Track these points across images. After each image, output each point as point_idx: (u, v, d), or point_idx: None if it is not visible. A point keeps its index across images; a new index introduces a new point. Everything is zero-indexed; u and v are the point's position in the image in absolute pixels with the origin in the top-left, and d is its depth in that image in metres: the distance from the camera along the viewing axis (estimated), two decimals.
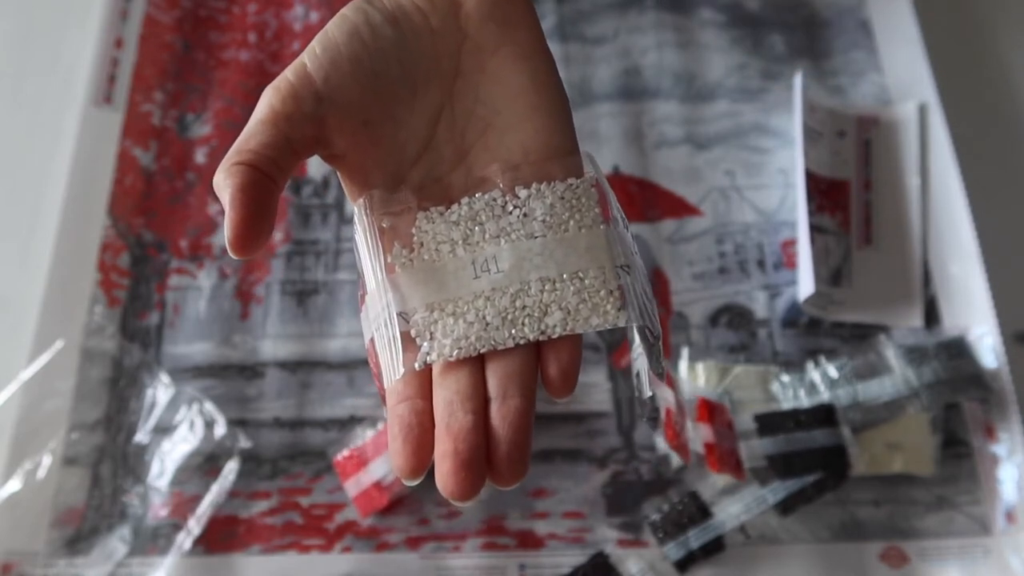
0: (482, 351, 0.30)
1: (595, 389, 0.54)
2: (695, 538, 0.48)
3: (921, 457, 0.50)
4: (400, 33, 0.32)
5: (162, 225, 0.59)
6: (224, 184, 0.29)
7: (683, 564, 0.48)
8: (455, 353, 0.29)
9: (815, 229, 0.56)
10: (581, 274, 0.30)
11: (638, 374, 0.37)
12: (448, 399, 0.29)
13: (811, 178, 0.57)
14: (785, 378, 0.52)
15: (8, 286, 0.57)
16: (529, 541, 0.50)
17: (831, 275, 0.56)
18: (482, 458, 0.28)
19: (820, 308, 0.55)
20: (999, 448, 0.51)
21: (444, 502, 0.51)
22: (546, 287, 0.30)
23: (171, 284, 0.57)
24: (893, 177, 0.60)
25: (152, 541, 0.50)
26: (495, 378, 0.30)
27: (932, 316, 0.55)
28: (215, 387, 0.54)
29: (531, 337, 0.30)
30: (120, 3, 0.66)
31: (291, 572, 0.50)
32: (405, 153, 0.32)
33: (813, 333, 0.55)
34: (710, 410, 0.49)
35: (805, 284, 0.55)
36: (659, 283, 0.57)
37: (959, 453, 0.52)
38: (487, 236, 0.31)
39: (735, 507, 0.49)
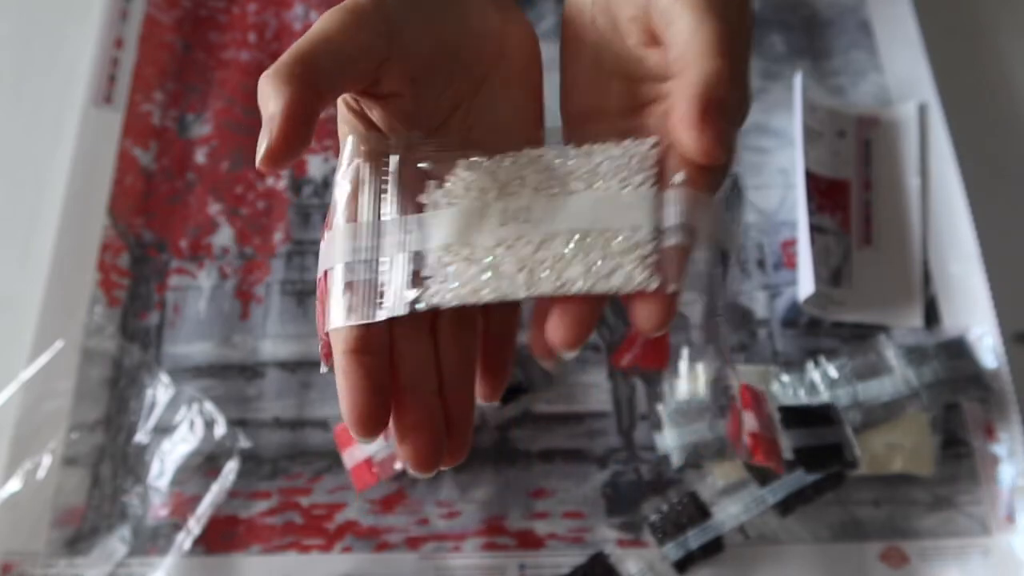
0: (490, 300, 0.29)
1: (595, 389, 0.54)
2: (694, 538, 0.48)
3: (921, 457, 0.50)
4: (478, 20, 0.34)
5: (162, 225, 0.59)
6: (274, 93, 0.28)
7: (682, 564, 0.48)
8: (463, 297, 0.28)
9: (815, 229, 0.56)
10: (614, 232, 0.29)
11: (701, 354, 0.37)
12: (414, 366, 0.30)
13: (811, 178, 0.57)
14: (785, 378, 0.52)
15: (8, 286, 0.57)
16: (529, 541, 0.50)
17: (831, 275, 0.56)
18: (444, 435, 0.30)
19: (820, 308, 0.55)
20: (999, 448, 0.51)
21: (444, 502, 0.51)
22: (573, 241, 0.29)
23: (171, 284, 0.57)
24: (893, 177, 0.60)
25: (152, 541, 0.50)
26: (449, 360, 0.31)
27: (932, 316, 0.55)
28: (215, 387, 0.54)
29: (547, 291, 0.28)
30: (120, 3, 0.66)
31: (291, 572, 0.50)
32: (420, 123, 0.33)
33: (813, 333, 0.55)
34: (754, 398, 0.48)
35: (805, 284, 0.55)
36: None
37: (959, 453, 0.52)
38: (526, 188, 0.30)
39: (734, 507, 0.49)
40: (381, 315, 0.30)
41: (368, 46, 0.30)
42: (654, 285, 0.28)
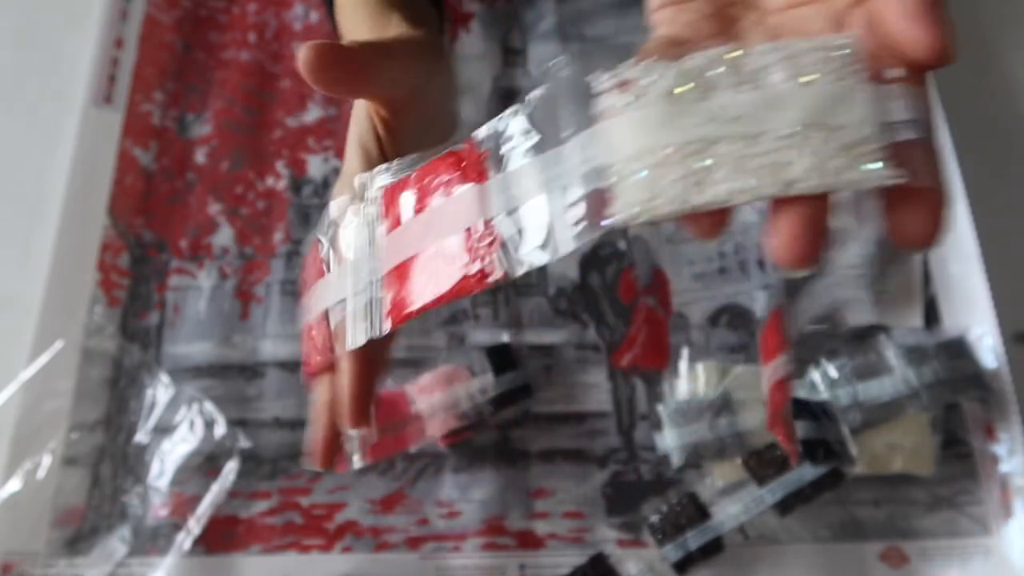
0: (704, 207, 0.25)
1: (595, 389, 0.54)
2: (693, 539, 0.48)
3: (921, 457, 0.50)
4: None
5: (162, 225, 0.59)
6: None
7: (682, 565, 0.48)
8: (669, 206, 0.25)
9: None
10: (835, 126, 0.25)
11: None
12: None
13: None
14: None
15: (8, 286, 0.57)
16: (529, 541, 0.50)
17: None
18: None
19: None
20: (999, 448, 0.51)
21: (444, 502, 0.51)
22: (790, 138, 0.25)
23: (171, 284, 0.57)
24: None
25: (152, 541, 0.50)
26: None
27: (932, 316, 0.55)
28: (215, 387, 0.54)
29: (770, 192, 0.25)
30: (120, 3, 0.66)
31: (291, 572, 0.50)
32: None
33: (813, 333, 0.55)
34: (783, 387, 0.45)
35: None
36: (659, 283, 0.57)
37: (959, 453, 0.52)
38: (720, 85, 0.26)
39: (734, 508, 0.49)
40: (543, 257, 0.28)
41: (407, 76, 0.37)
42: (902, 178, 0.25)
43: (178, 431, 0.53)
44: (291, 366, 0.55)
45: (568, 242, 0.27)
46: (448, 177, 0.30)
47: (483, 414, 0.51)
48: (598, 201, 0.26)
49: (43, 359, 0.54)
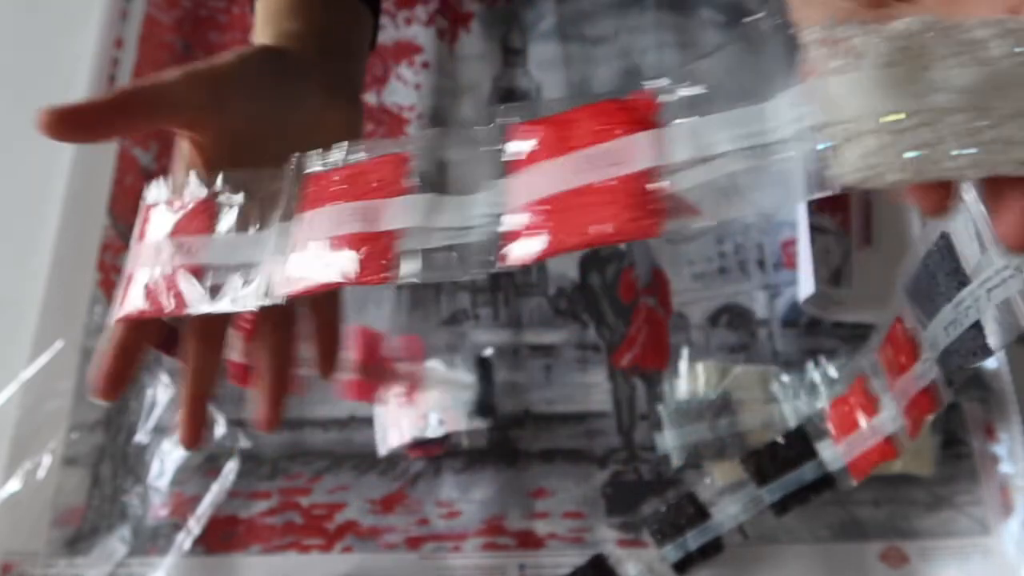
0: (924, 179, 0.24)
1: (595, 389, 0.54)
2: (693, 539, 0.48)
3: (921, 457, 0.50)
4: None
5: None
6: (109, 97, 0.36)
7: (681, 565, 0.48)
8: (894, 174, 0.24)
9: (815, 229, 0.56)
10: None
11: None
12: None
13: None
14: (785, 378, 0.52)
15: (8, 286, 0.57)
16: (529, 541, 0.50)
17: (831, 275, 0.56)
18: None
19: (820, 308, 0.55)
20: (999, 448, 0.51)
21: (444, 502, 0.51)
22: (1014, 117, 0.24)
23: None
24: None
25: (152, 541, 0.50)
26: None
27: None
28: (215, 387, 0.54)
29: (1006, 170, 0.24)
30: (120, 3, 0.66)
31: (291, 572, 0.50)
32: None
33: (813, 333, 0.55)
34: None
35: (805, 284, 0.54)
36: (659, 283, 0.57)
37: (959, 453, 0.52)
38: (936, 55, 0.25)
39: (733, 508, 0.49)
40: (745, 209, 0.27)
41: (189, 98, 0.37)
42: None
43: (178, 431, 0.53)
44: None
45: (780, 199, 0.27)
46: (607, 125, 0.30)
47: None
48: (815, 160, 0.25)
49: (43, 359, 0.54)
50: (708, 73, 0.30)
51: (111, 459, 0.52)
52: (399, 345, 0.53)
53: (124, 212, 0.59)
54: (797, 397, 0.52)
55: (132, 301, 0.36)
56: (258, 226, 0.35)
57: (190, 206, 0.36)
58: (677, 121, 0.29)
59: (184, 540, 0.50)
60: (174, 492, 0.51)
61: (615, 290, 0.57)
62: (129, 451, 0.53)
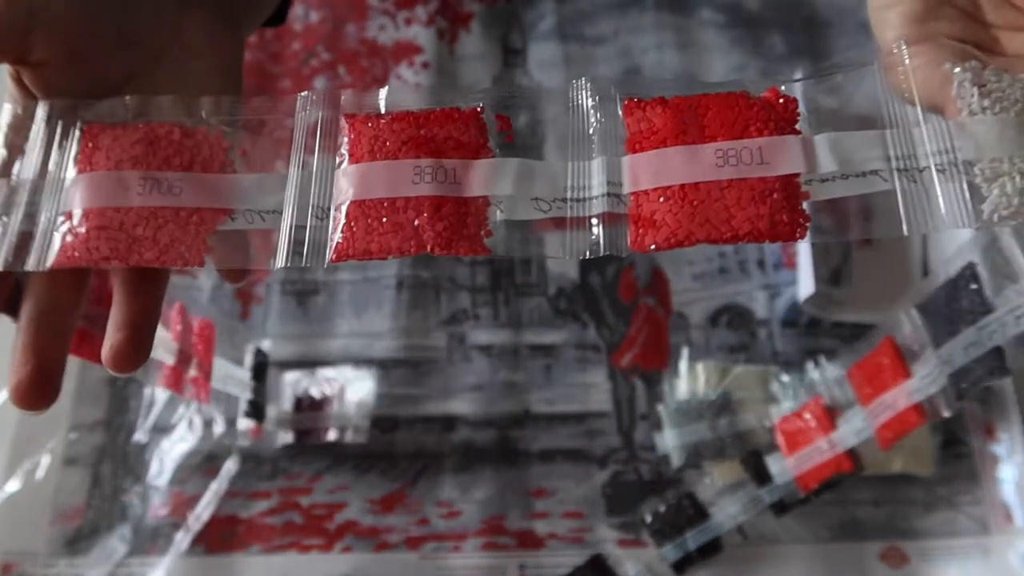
0: None
1: (595, 389, 0.54)
2: (692, 540, 0.48)
3: (921, 457, 0.50)
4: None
5: None
6: None
7: (680, 565, 0.48)
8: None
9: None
10: None
11: None
12: None
13: None
14: (785, 378, 0.52)
15: None
16: (529, 541, 0.50)
17: (831, 275, 0.56)
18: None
19: (820, 308, 0.55)
20: (999, 448, 0.51)
21: (444, 502, 0.51)
22: None
23: (171, 284, 0.57)
24: None
25: (152, 541, 0.50)
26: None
27: None
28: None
29: None
30: None
31: (291, 572, 0.50)
32: (87, 90, 0.33)
33: (813, 333, 0.55)
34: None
35: (805, 284, 0.54)
36: (659, 283, 0.57)
37: (959, 453, 0.52)
38: None
39: (733, 508, 0.49)
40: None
41: (10, 21, 0.31)
42: None
43: (177, 430, 0.53)
44: (291, 365, 0.55)
45: (943, 218, 0.28)
46: (741, 120, 0.30)
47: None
48: (963, 193, 0.27)
49: None
50: (840, 87, 0.30)
51: (111, 459, 0.52)
52: (191, 323, 0.46)
53: None
54: (797, 397, 0.52)
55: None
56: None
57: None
58: (825, 133, 0.29)
59: (184, 539, 0.50)
60: (174, 491, 0.51)
61: (615, 290, 0.57)
62: (129, 450, 0.53)
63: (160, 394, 0.53)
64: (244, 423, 0.52)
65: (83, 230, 0.30)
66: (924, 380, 0.41)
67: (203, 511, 0.51)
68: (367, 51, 0.64)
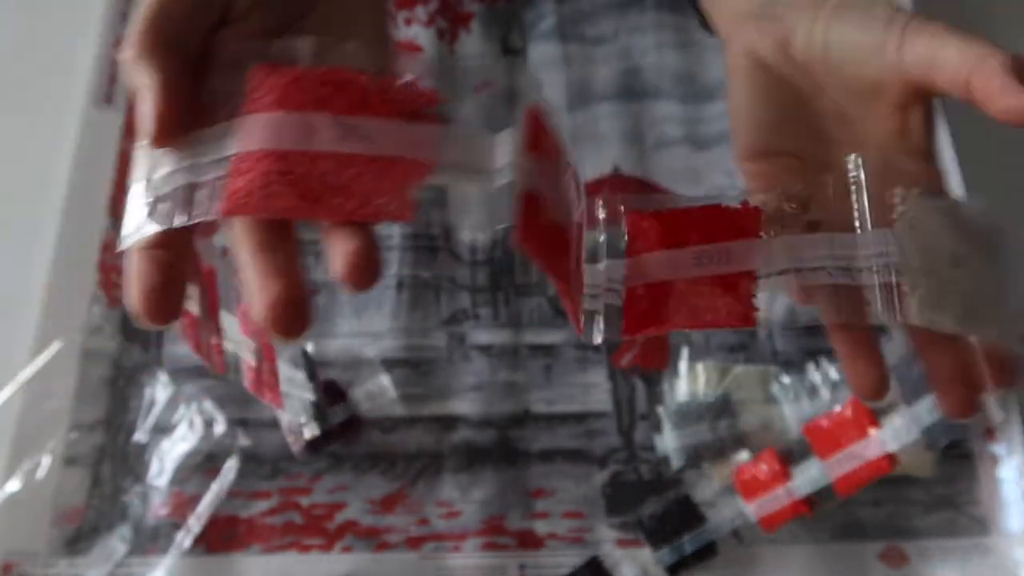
0: (944, 328, 0.32)
1: (595, 389, 0.54)
2: (689, 543, 0.48)
3: (921, 460, 0.50)
4: None
5: None
6: (143, 69, 0.31)
7: (675, 568, 0.48)
8: (943, 324, 0.32)
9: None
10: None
11: None
12: None
13: None
14: (785, 379, 0.52)
15: (8, 286, 0.57)
16: (529, 541, 0.50)
17: None
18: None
19: None
20: (999, 448, 0.51)
21: (444, 502, 0.51)
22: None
23: None
24: None
25: (152, 541, 0.50)
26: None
27: None
28: (216, 387, 0.54)
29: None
30: (120, 3, 0.66)
31: (291, 572, 0.50)
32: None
33: (813, 333, 0.55)
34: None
35: None
36: None
37: (959, 453, 0.52)
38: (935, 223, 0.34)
39: (729, 511, 0.49)
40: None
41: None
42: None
43: (177, 430, 0.53)
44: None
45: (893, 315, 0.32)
46: (715, 227, 0.34)
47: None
48: (888, 291, 0.32)
49: (43, 359, 0.54)
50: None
51: (111, 459, 0.52)
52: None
53: (124, 212, 0.59)
54: (798, 398, 0.52)
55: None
56: None
57: None
58: (784, 237, 0.34)
59: (184, 539, 0.50)
60: (174, 491, 0.51)
61: None
62: (129, 450, 0.53)
63: (160, 394, 0.53)
64: (310, 429, 0.51)
65: (260, 174, 0.28)
66: (897, 431, 0.44)
67: (203, 511, 0.51)
68: None
